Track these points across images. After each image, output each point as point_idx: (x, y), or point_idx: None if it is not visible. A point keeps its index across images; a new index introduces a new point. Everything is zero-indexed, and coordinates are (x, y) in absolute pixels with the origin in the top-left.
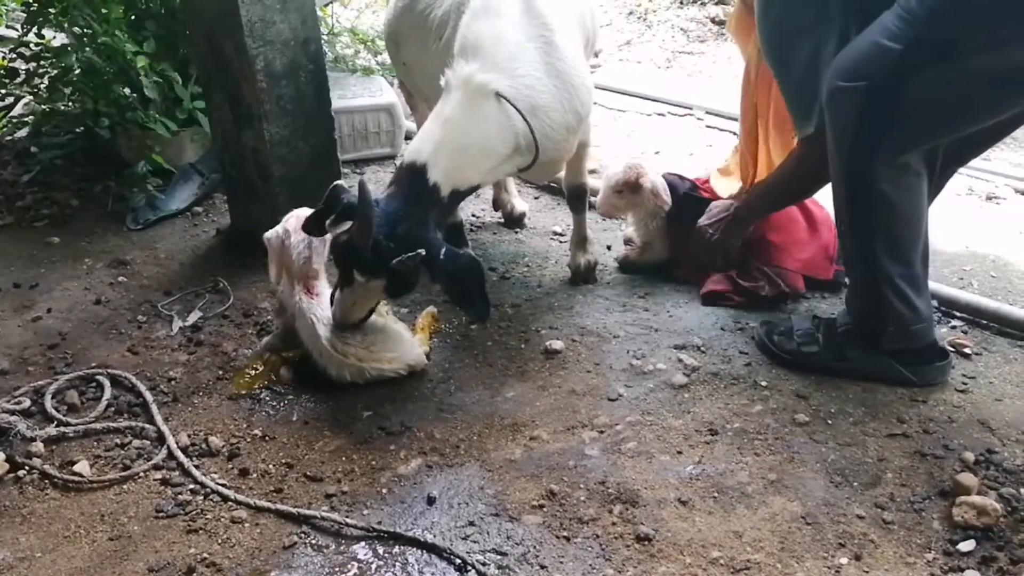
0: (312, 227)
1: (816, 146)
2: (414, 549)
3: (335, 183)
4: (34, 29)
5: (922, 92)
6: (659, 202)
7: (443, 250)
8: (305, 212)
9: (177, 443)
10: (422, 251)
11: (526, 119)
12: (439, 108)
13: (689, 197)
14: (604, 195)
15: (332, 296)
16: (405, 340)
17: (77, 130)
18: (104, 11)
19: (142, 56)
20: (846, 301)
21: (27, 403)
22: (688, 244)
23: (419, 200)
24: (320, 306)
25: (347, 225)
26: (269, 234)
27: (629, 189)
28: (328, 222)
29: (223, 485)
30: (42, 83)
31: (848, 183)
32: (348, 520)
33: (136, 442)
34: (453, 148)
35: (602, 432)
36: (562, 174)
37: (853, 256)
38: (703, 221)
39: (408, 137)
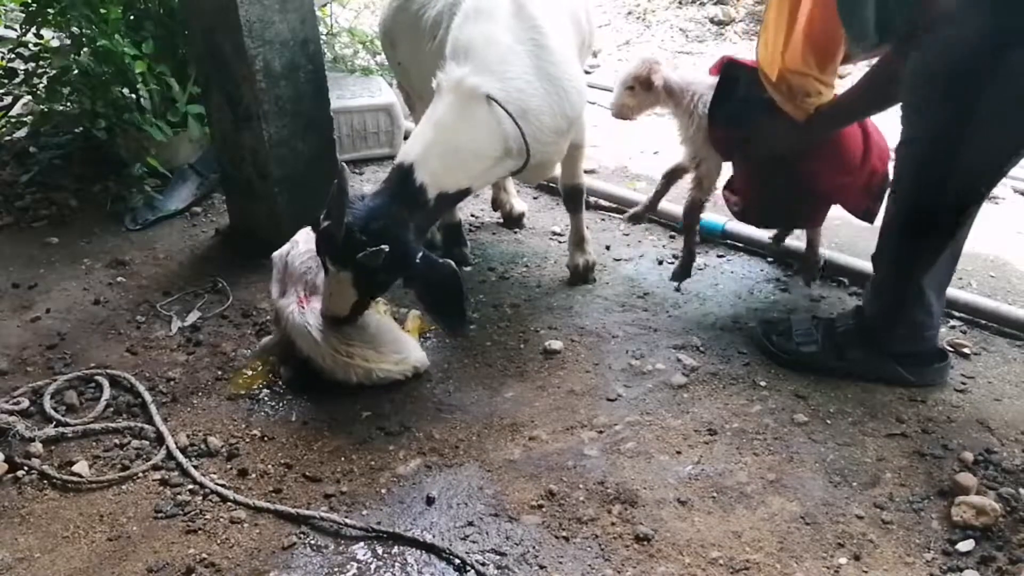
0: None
1: (892, 64)
2: (413, 549)
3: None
4: (33, 29)
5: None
6: (676, 102)
7: (419, 255)
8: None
9: (176, 443)
10: (386, 247)
11: (517, 123)
12: (431, 110)
13: (752, 100)
14: (616, 92)
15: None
16: (408, 341)
17: (76, 131)
18: (103, 12)
19: (140, 61)
20: (866, 298)
21: (26, 403)
22: (741, 151)
23: (403, 200)
24: (314, 314)
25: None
26: (275, 253)
27: (641, 86)
28: (322, 216)
29: (222, 485)
30: (41, 83)
31: (921, 194)
32: (347, 520)
33: (135, 442)
34: (443, 150)
35: (601, 432)
36: (558, 172)
37: (890, 259)
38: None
39: (407, 137)
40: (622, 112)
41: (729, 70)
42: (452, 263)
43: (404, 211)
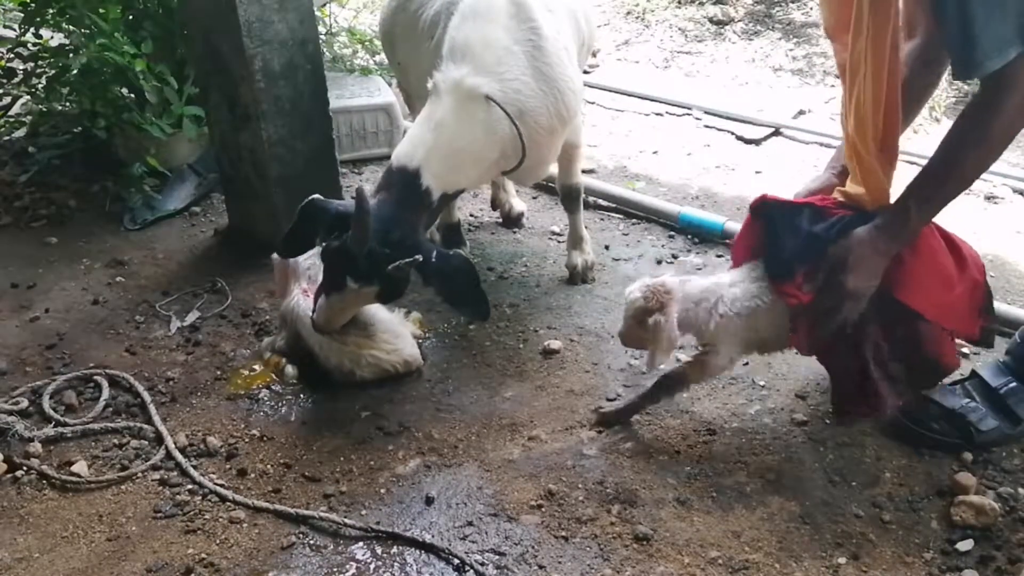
0: (288, 250)
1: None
2: (412, 549)
3: (310, 198)
4: (32, 29)
5: None
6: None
7: (434, 253)
8: None
9: (175, 443)
10: (419, 256)
11: (515, 123)
12: (428, 112)
13: (808, 231)
14: (623, 324)
15: (315, 301)
16: (403, 335)
17: (75, 130)
18: (102, 11)
19: (140, 59)
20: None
21: (25, 403)
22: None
23: (412, 205)
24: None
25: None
26: (275, 256)
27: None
28: (319, 238)
29: (221, 485)
30: (40, 83)
31: None
32: (346, 520)
33: (134, 442)
34: (445, 152)
35: (600, 432)
36: (555, 172)
37: None
38: (843, 246)
39: None
40: (637, 345)
41: (766, 210)
42: (462, 253)
43: (414, 215)
